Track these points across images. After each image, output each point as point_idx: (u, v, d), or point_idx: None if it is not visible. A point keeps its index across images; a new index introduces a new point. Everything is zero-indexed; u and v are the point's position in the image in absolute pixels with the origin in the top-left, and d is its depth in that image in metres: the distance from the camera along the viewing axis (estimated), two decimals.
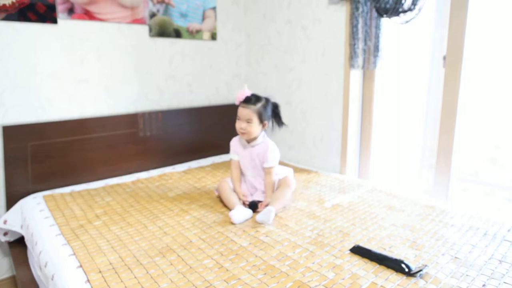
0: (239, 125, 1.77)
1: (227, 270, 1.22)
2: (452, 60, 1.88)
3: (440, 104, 1.99)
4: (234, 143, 1.90)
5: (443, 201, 1.84)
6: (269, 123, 1.83)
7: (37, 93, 2.00)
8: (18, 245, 1.89)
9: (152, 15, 2.36)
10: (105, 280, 1.17)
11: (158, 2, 2.37)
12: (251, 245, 1.39)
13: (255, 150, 1.82)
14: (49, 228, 1.55)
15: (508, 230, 1.48)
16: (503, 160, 2.15)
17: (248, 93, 1.77)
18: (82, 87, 2.15)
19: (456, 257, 1.29)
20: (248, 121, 1.75)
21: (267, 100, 1.80)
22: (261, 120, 1.77)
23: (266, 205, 1.70)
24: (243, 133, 1.78)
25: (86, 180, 2.15)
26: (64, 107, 2.10)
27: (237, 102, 1.79)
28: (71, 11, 2.04)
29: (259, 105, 1.75)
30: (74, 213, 1.69)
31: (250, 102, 1.75)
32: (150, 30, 2.37)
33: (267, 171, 1.79)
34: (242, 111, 1.76)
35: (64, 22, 2.04)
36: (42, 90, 2.02)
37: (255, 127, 1.76)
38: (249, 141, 1.83)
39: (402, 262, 1.22)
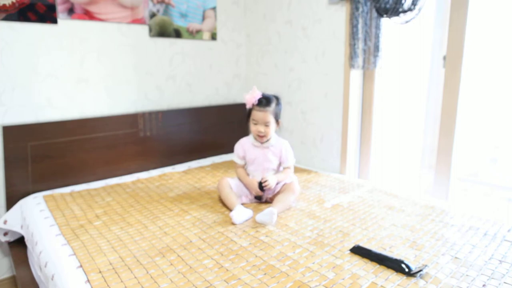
0: (257, 128, 1.76)
1: (227, 270, 1.22)
2: (452, 60, 1.88)
3: (440, 104, 1.99)
4: (242, 145, 1.88)
5: (443, 201, 1.85)
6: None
7: (37, 93, 2.00)
8: (18, 245, 1.89)
9: (152, 15, 2.36)
10: (105, 280, 1.17)
11: (158, 2, 2.37)
12: (251, 245, 1.39)
13: (269, 151, 1.83)
14: (49, 228, 1.55)
15: (508, 230, 1.48)
16: (503, 160, 2.15)
17: (259, 94, 1.75)
18: (82, 87, 2.15)
19: (456, 257, 1.29)
20: (266, 124, 1.75)
21: (277, 98, 1.81)
22: (276, 120, 1.79)
23: (265, 181, 1.72)
24: (261, 136, 1.78)
25: (86, 180, 2.15)
26: (64, 107, 2.10)
27: (249, 105, 1.77)
28: (71, 11, 2.04)
29: (273, 105, 1.76)
30: (74, 213, 1.69)
31: (265, 104, 1.73)
32: (150, 30, 2.37)
33: (285, 170, 1.86)
34: (259, 115, 1.74)
35: (64, 22, 2.04)
36: (42, 90, 2.02)
37: (272, 128, 1.77)
38: (262, 142, 1.83)
39: (402, 262, 1.22)
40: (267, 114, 1.73)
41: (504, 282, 1.14)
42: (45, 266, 1.33)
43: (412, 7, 1.81)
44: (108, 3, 2.16)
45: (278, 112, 1.79)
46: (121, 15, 2.23)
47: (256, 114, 1.75)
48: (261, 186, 1.74)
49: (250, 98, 1.75)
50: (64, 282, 1.19)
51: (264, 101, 1.74)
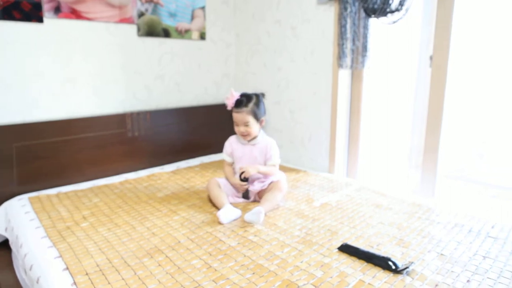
0: (239, 129, 1.81)
1: (215, 270, 1.22)
2: (438, 60, 1.91)
3: (427, 103, 2.01)
4: (230, 143, 1.92)
5: (429, 199, 1.87)
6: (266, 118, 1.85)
7: (22, 93, 1.97)
8: (2, 248, 1.86)
9: (141, 14, 2.34)
10: (92, 283, 1.15)
11: (146, 1, 2.35)
12: (239, 244, 1.39)
13: (256, 149, 1.85)
14: (35, 230, 1.53)
15: (492, 227, 1.51)
16: (488, 159, 2.19)
17: (236, 96, 1.80)
18: (69, 87, 2.12)
19: (441, 254, 1.31)
20: (245, 124, 1.78)
21: (257, 96, 1.83)
22: (257, 118, 1.80)
23: (243, 172, 1.75)
24: (245, 136, 1.82)
25: (73, 181, 2.12)
26: (50, 107, 2.07)
27: (229, 108, 1.81)
28: (57, 10, 2.01)
29: (251, 105, 1.78)
30: (60, 214, 1.67)
31: (242, 105, 1.77)
32: (139, 29, 2.35)
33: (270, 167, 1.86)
34: (237, 116, 1.79)
35: (50, 21, 2.01)
36: (28, 90, 1.99)
37: (253, 127, 1.80)
38: (249, 140, 1.86)
39: (389, 259, 1.23)
40: (244, 115, 1.77)
41: (488, 277, 1.16)
42: (30, 269, 1.31)
43: (399, 7, 1.83)
44: (95, 2, 2.14)
45: (257, 110, 1.79)
46: (109, 14, 2.21)
47: (235, 116, 1.80)
48: (240, 177, 1.77)
49: (229, 101, 1.80)
50: (50, 285, 1.17)
51: (240, 102, 1.78)
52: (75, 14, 2.08)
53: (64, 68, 2.09)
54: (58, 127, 2.05)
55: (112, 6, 2.21)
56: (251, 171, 1.76)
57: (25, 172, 1.96)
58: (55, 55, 2.05)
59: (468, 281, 1.15)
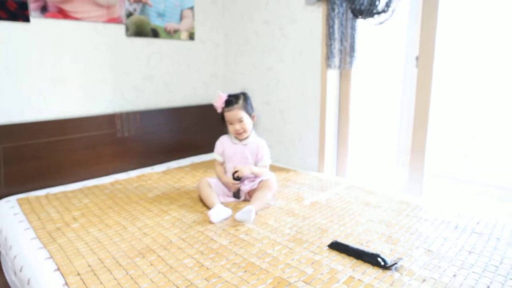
0: (234, 128, 1.83)
1: (207, 268, 1.23)
2: (424, 61, 1.95)
3: (413, 103, 2.05)
4: (221, 142, 1.93)
5: (417, 197, 1.91)
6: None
7: (9, 94, 1.94)
8: None
9: (129, 14, 2.33)
10: (83, 283, 1.15)
11: (135, 1, 2.34)
12: (231, 243, 1.40)
13: (247, 149, 1.87)
14: (24, 232, 1.51)
15: (477, 223, 1.55)
16: (473, 158, 2.24)
17: (224, 96, 1.82)
18: (57, 87, 2.10)
19: (429, 250, 1.34)
20: (239, 120, 1.80)
21: (244, 93, 1.87)
22: (249, 114, 1.84)
23: (236, 171, 1.76)
24: (240, 133, 1.83)
25: (62, 182, 2.10)
26: (38, 107, 2.05)
27: (219, 110, 1.84)
28: (44, 9, 1.99)
29: (240, 101, 1.82)
30: (50, 216, 1.66)
31: (232, 103, 1.80)
32: (127, 29, 2.34)
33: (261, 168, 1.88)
34: (230, 115, 1.81)
35: (37, 21, 1.98)
36: (15, 91, 1.96)
37: (248, 123, 1.83)
38: (241, 139, 1.87)
39: (378, 256, 1.26)
40: (236, 111, 1.80)
41: (473, 272, 1.20)
42: (20, 271, 1.30)
43: (386, 8, 1.87)
44: (83, 1, 2.12)
45: (247, 106, 1.84)
46: (97, 14, 2.19)
47: (228, 115, 1.82)
48: (233, 176, 1.78)
49: (217, 104, 1.83)
50: (41, 286, 1.17)
51: (230, 101, 1.81)
52: (62, 14, 2.06)
53: (52, 68, 2.07)
54: (46, 127, 2.03)
55: (100, 5, 2.19)
56: (245, 171, 1.78)
57: (13, 174, 1.93)
58: (42, 55, 2.03)
59: (454, 275, 1.18)
